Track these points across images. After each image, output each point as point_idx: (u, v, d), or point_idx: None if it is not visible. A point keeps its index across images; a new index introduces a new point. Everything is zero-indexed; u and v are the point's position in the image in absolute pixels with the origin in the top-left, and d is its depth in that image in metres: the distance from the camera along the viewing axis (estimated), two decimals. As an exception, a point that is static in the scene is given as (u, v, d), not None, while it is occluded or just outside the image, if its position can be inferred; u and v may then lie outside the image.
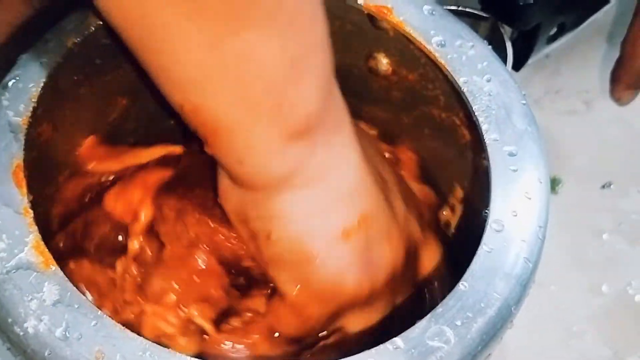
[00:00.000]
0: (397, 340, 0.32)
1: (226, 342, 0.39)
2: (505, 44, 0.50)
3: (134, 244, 0.42)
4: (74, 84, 0.43)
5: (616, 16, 0.76)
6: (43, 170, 0.41)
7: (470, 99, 0.39)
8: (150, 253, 0.42)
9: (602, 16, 0.73)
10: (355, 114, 0.41)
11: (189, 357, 0.31)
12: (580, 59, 0.75)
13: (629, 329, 0.60)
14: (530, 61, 0.54)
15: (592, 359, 0.58)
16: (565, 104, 0.72)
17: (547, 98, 0.72)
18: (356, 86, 0.52)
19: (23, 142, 0.37)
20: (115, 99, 0.48)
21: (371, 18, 0.44)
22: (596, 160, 0.69)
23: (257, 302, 0.40)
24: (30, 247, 0.34)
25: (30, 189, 0.36)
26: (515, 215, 0.36)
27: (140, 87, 0.47)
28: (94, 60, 0.44)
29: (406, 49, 0.45)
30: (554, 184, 0.66)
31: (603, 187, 0.67)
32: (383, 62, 0.48)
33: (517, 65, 0.54)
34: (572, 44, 0.74)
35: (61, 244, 0.43)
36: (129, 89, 0.48)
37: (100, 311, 0.32)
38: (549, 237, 0.37)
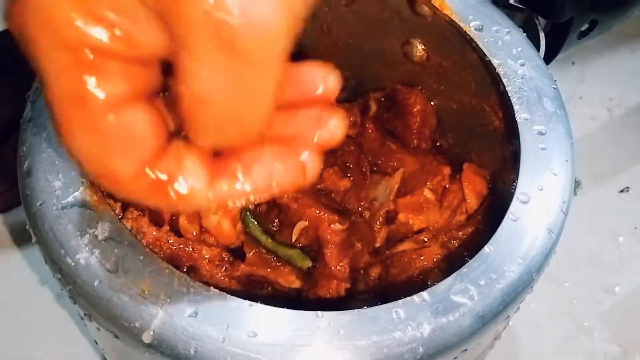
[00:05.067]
0: (424, 294, 0.34)
1: None
2: (539, 35, 0.52)
3: None
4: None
5: (641, 28, 0.79)
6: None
7: (504, 81, 0.41)
8: None
9: (627, 27, 0.75)
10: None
11: (226, 294, 0.33)
12: (604, 67, 0.77)
13: (639, 328, 0.61)
14: (558, 57, 0.57)
15: (601, 354, 0.60)
16: (587, 109, 0.75)
17: (571, 103, 0.74)
18: (388, 71, 0.54)
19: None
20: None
21: (411, 3, 0.47)
22: (615, 166, 0.71)
23: None
24: (85, 187, 0.36)
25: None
26: (541, 190, 0.38)
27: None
28: None
29: (442, 36, 0.47)
30: (573, 186, 0.68)
31: (621, 191, 0.69)
32: (419, 48, 0.50)
33: (548, 58, 0.56)
34: (597, 53, 0.77)
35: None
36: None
37: (148, 249, 0.34)
38: (567, 237, 0.39)
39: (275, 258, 0.46)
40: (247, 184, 0.29)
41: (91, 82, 0.26)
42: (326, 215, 0.45)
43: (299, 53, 0.56)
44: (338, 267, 0.44)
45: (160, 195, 0.28)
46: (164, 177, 0.28)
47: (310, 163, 0.30)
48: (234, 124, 0.27)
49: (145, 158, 0.27)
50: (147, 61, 0.27)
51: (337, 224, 0.45)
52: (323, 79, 0.30)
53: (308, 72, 0.31)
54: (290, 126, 0.30)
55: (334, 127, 0.30)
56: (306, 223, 0.45)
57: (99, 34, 0.25)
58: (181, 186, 0.28)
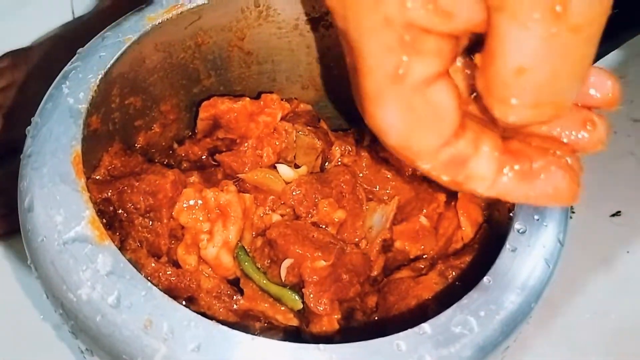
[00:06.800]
0: (425, 326, 0.34)
1: None
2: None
3: None
4: (125, 81, 0.46)
5: (630, 57, 0.80)
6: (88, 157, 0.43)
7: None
8: None
9: (615, 57, 0.77)
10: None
11: (228, 328, 0.33)
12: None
13: (635, 353, 0.62)
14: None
15: (597, 378, 0.60)
16: (579, 135, 0.75)
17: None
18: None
19: (81, 127, 0.39)
20: (158, 104, 0.51)
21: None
22: (607, 190, 0.71)
23: None
24: (86, 222, 0.36)
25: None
26: (538, 220, 0.38)
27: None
28: (145, 60, 0.47)
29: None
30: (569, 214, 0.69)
31: (613, 215, 0.70)
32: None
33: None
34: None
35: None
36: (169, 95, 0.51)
37: (149, 283, 0.34)
38: (560, 261, 0.39)
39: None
40: (529, 187, 0.29)
41: (411, 60, 0.26)
42: (308, 252, 0.45)
43: (293, 80, 0.56)
44: (318, 305, 0.44)
45: (450, 172, 0.29)
46: (460, 157, 0.28)
47: (577, 168, 0.30)
48: (550, 95, 0.26)
49: (448, 135, 0.28)
50: (457, 35, 0.27)
51: (320, 260, 0.44)
52: (610, 86, 0.30)
53: (598, 75, 0.30)
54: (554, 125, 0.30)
55: (601, 132, 0.30)
56: (292, 261, 0.45)
57: (424, 9, 0.26)
58: (472, 169, 0.29)
